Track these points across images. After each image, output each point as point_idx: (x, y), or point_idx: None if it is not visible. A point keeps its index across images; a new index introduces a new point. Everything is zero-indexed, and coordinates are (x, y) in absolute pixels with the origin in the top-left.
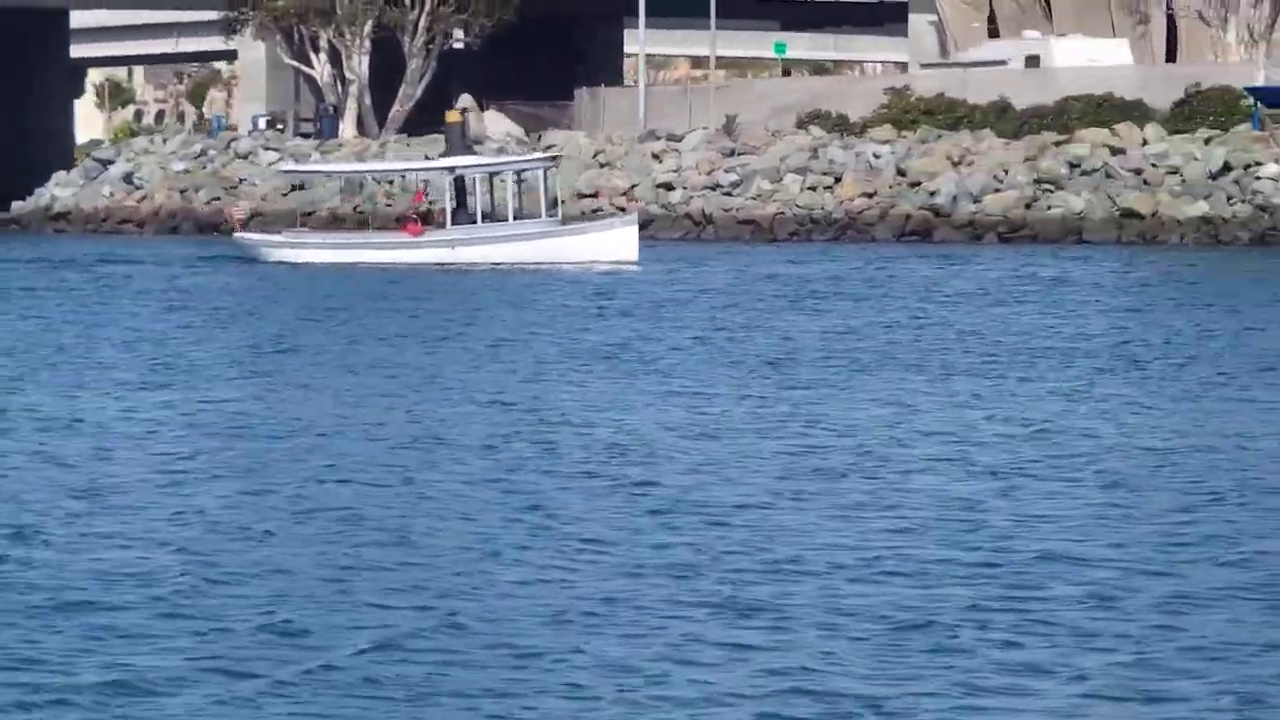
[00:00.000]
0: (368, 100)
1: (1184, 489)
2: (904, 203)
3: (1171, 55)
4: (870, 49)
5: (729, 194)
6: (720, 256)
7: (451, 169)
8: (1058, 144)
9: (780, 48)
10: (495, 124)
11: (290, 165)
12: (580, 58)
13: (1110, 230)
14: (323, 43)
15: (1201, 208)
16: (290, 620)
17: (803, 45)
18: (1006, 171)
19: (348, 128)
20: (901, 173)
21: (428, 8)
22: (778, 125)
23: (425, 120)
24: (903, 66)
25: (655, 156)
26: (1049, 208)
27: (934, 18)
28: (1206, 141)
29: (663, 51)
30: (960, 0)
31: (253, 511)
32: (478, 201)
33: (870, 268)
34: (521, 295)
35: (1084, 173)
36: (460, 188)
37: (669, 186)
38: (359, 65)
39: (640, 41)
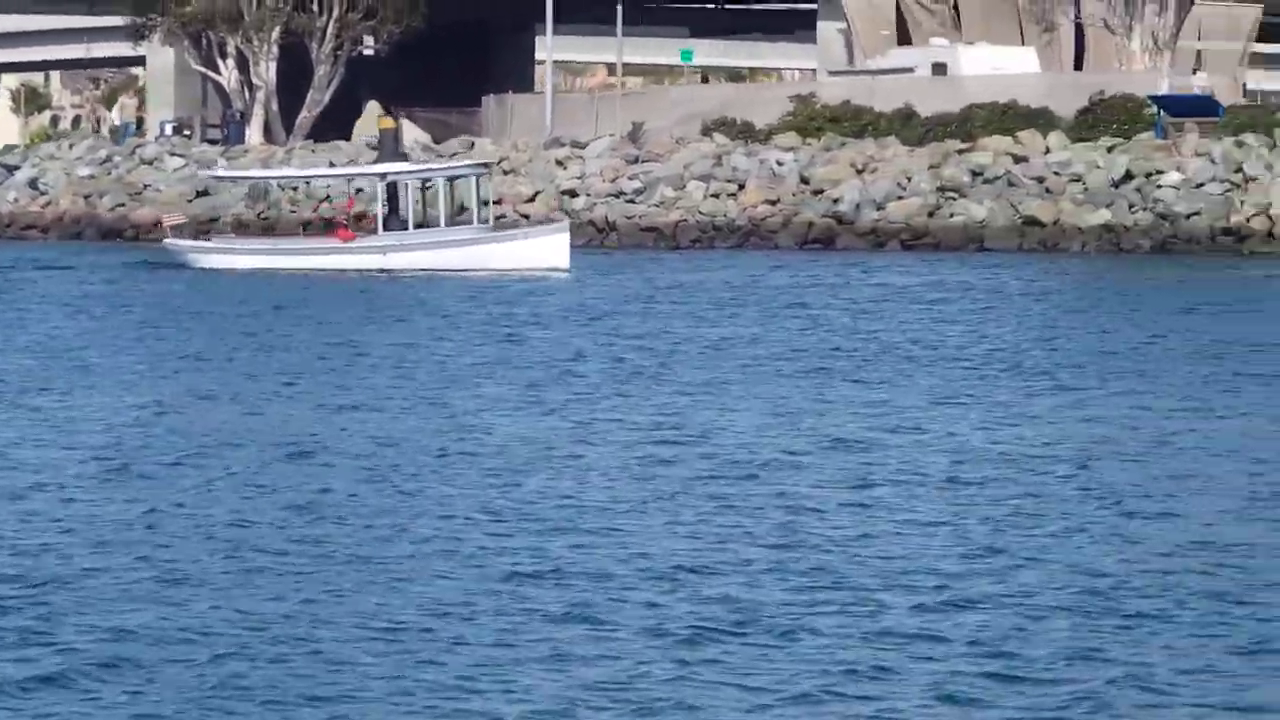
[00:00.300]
0: (275, 106)
1: (1030, 492)
2: (807, 210)
3: (1080, 64)
4: (781, 56)
5: (632, 201)
6: (649, 263)
7: (384, 175)
8: (961, 152)
9: (686, 55)
10: (405, 130)
11: (223, 170)
12: (490, 65)
13: (1012, 238)
14: (230, 49)
15: (1103, 215)
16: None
17: (716, 52)
18: (910, 179)
19: (254, 134)
20: (805, 180)
21: (335, 14)
22: (684, 133)
23: (333, 127)
24: (814, 74)
25: (559, 163)
26: (951, 215)
27: (842, 25)
28: (1109, 150)
29: (578, 58)
30: (868, 8)
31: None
32: (410, 208)
33: (782, 274)
34: (442, 303)
35: (987, 180)
36: (393, 194)
37: (573, 194)
38: (266, 72)
39: (548, 48)
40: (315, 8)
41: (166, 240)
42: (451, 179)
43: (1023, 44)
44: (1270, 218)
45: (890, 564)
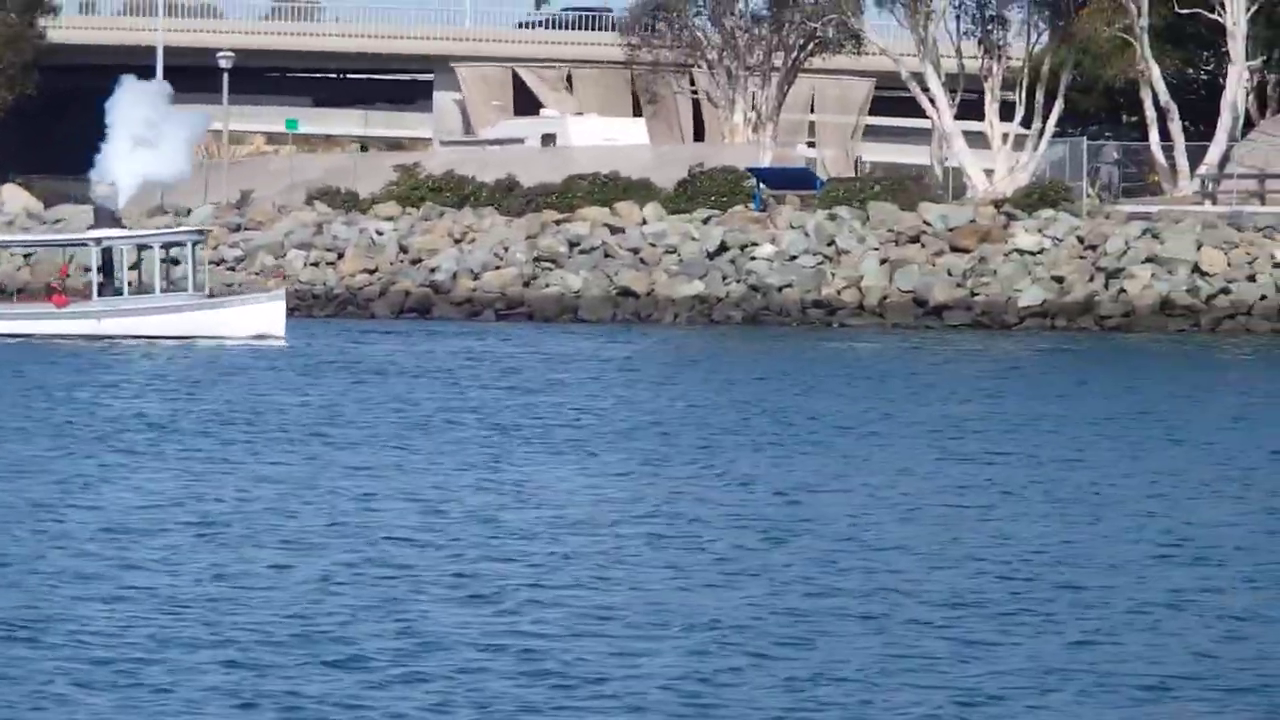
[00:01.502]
0: None
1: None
2: (404, 279)
3: (700, 135)
4: (399, 125)
5: (232, 269)
6: (372, 334)
7: (99, 241)
8: (558, 222)
9: (292, 124)
10: (12, 197)
11: None
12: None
13: (606, 308)
14: None
15: (696, 287)
16: None
17: (336, 122)
18: (507, 249)
19: None
20: (404, 249)
21: None
22: (290, 201)
23: None
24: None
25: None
26: (547, 285)
27: (459, 96)
28: (705, 221)
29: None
30: (482, 80)
31: None
32: (124, 274)
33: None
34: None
35: (583, 251)
36: (107, 260)
37: (175, 261)
38: None
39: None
40: None
41: None
42: (167, 245)
43: (636, 116)
44: (861, 290)
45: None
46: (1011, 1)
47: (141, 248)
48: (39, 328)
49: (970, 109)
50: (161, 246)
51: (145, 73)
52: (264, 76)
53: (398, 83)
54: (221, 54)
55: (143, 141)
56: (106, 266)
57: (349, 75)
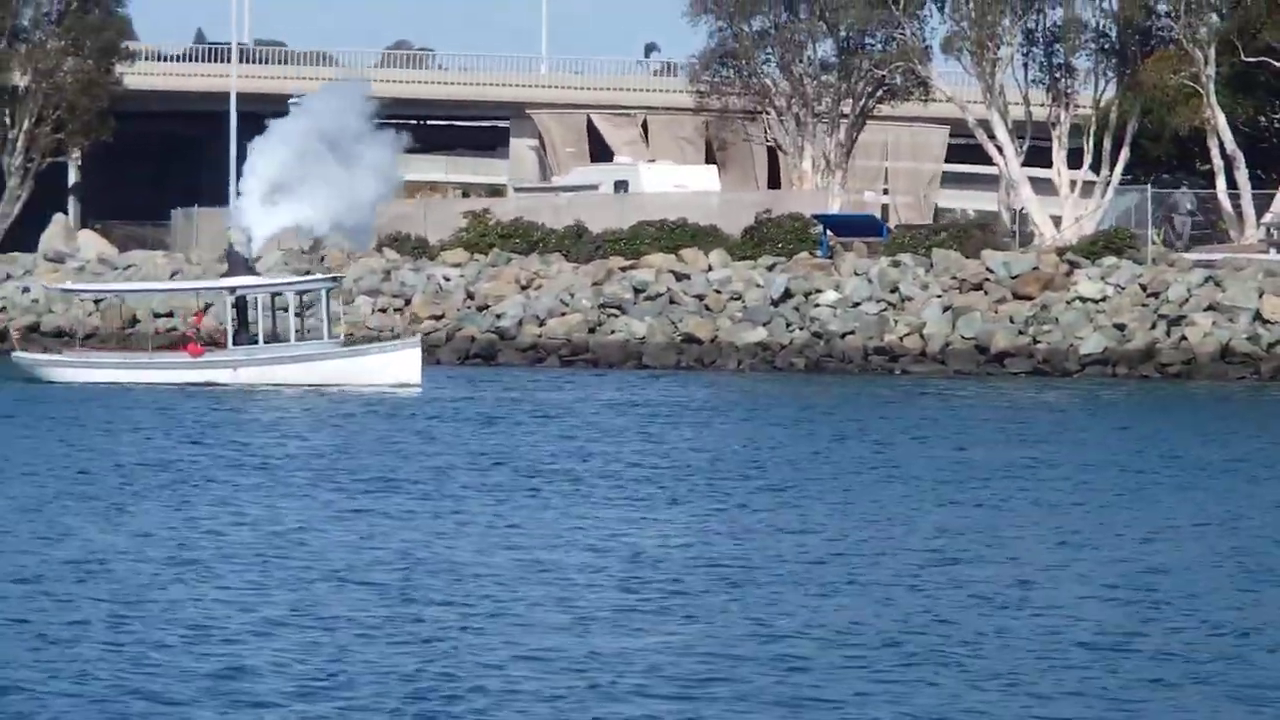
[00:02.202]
0: None
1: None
2: (470, 325)
3: (776, 182)
4: (478, 171)
5: (299, 315)
6: (497, 380)
7: (233, 289)
8: (625, 269)
9: None
10: (88, 243)
11: (71, 284)
12: (197, 177)
13: (670, 355)
14: None
15: (760, 333)
16: None
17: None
18: (573, 295)
19: None
20: (470, 295)
21: (25, 127)
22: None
23: (28, 237)
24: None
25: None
26: (612, 331)
27: (534, 142)
28: (770, 268)
29: None
30: (559, 126)
31: None
32: (259, 322)
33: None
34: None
35: (648, 297)
36: (241, 308)
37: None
38: None
39: (231, 162)
40: (6, 120)
41: (15, 354)
42: (301, 293)
43: (710, 164)
44: (923, 337)
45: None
46: (1079, 50)
47: (275, 295)
48: (174, 377)
49: (1040, 156)
50: (295, 294)
51: (220, 119)
52: None
53: (479, 129)
54: (292, 99)
55: (281, 188)
56: (240, 315)
57: (427, 123)
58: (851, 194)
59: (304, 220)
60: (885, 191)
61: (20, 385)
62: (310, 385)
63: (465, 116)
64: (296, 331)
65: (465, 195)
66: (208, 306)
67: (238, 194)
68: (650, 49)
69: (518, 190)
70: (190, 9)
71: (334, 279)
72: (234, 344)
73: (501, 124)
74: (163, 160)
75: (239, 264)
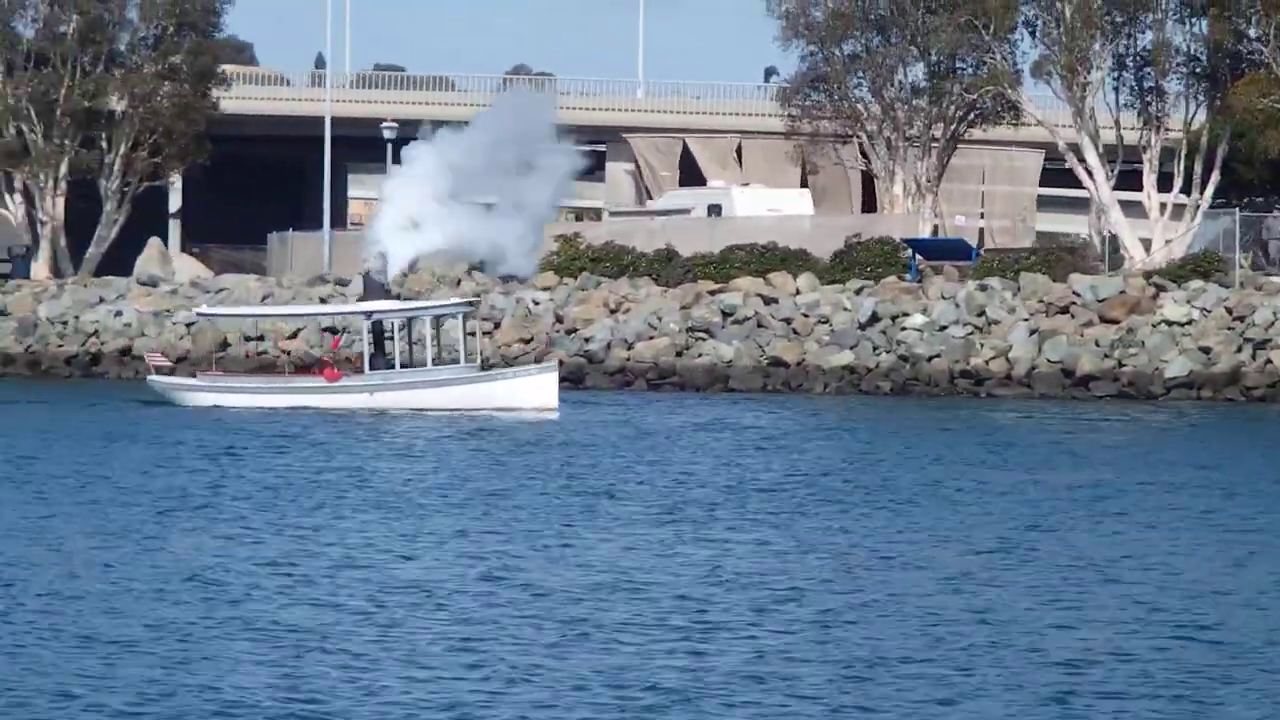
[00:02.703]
0: (63, 242)
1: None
2: (559, 349)
3: (871, 206)
4: (580, 195)
5: (390, 338)
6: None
7: (369, 314)
8: (713, 292)
9: None
10: (183, 267)
11: (209, 308)
12: (304, 202)
13: (756, 379)
14: (17, 184)
15: (847, 357)
16: None
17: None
18: (661, 319)
19: (41, 268)
20: (559, 319)
21: (121, 151)
22: (451, 271)
23: (128, 260)
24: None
25: (321, 300)
26: (699, 355)
27: (630, 166)
28: (858, 291)
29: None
30: (655, 151)
31: None
32: (395, 347)
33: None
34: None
35: (736, 321)
36: (378, 333)
37: (333, 330)
38: (53, 207)
39: (326, 185)
40: (103, 144)
41: (150, 378)
42: (438, 317)
43: (804, 187)
44: (1009, 360)
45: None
46: (1169, 73)
47: (412, 320)
48: (310, 401)
49: (1132, 180)
50: (432, 319)
51: (315, 144)
52: None
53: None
54: (386, 124)
55: (424, 212)
56: (377, 339)
57: None
58: (943, 218)
59: (444, 245)
60: (981, 215)
61: (164, 409)
62: (447, 410)
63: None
64: (433, 356)
65: (578, 219)
66: (344, 332)
67: (370, 218)
68: (770, 73)
69: (613, 214)
70: (312, 34)
71: (470, 303)
72: (370, 369)
73: (600, 148)
74: (267, 184)
75: (376, 289)
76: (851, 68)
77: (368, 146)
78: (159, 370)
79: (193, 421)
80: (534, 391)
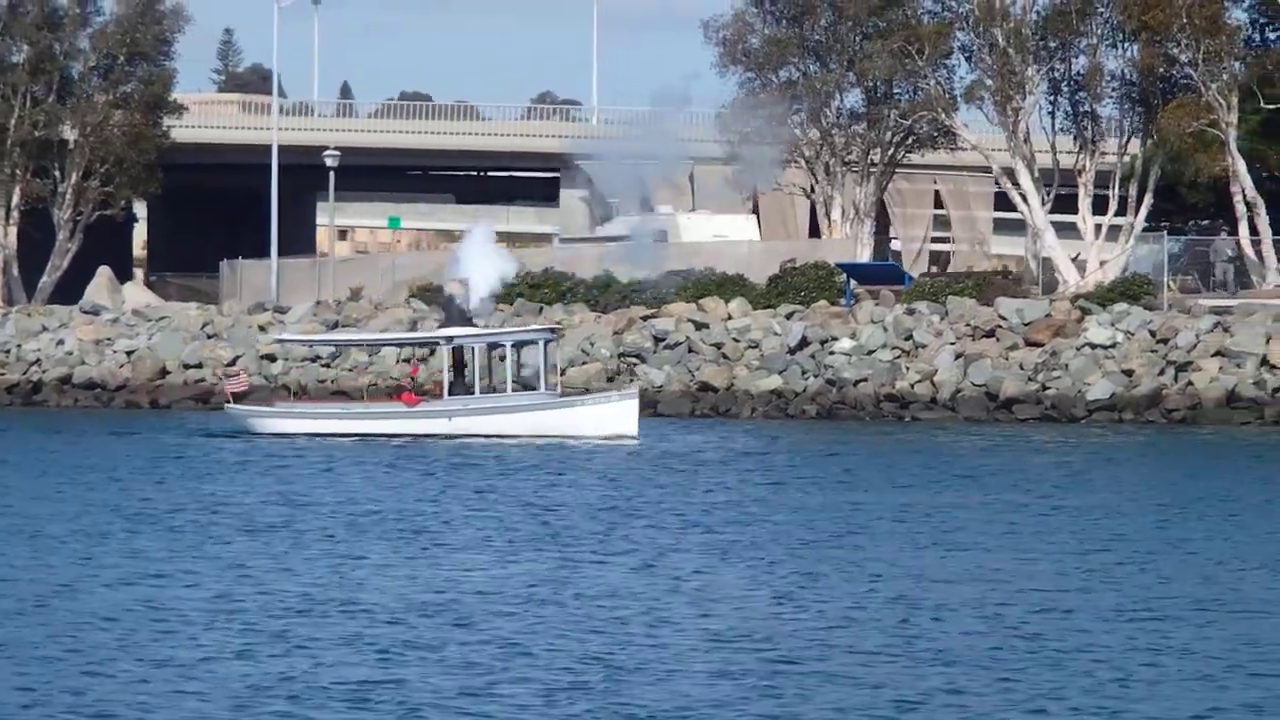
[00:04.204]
0: (15, 271)
1: None
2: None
3: (816, 231)
4: (542, 221)
5: (327, 365)
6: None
7: (450, 339)
8: (645, 318)
9: (394, 222)
10: (134, 296)
11: (287, 335)
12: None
13: (685, 403)
14: None
15: (775, 381)
16: None
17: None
18: (594, 344)
19: None
20: None
21: (73, 181)
22: (396, 298)
23: (81, 288)
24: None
25: (261, 328)
26: (631, 380)
27: (584, 193)
28: (789, 316)
29: (357, 223)
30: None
31: None
32: (475, 373)
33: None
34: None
35: (668, 346)
36: (458, 359)
37: (271, 358)
38: (4, 236)
39: (273, 213)
40: (56, 173)
41: (227, 406)
42: (518, 344)
43: (755, 213)
44: (934, 384)
45: None
46: (1103, 98)
47: (493, 346)
48: (389, 427)
49: (1073, 203)
50: (513, 345)
51: (263, 172)
52: (406, 175)
53: (539, 180)
54: (328, 153)
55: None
56: (457, 365)
57: (489, 174)
58: (902, 243)
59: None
60: (935, 240)
61: (248, 438)
62: (526, 436)
63: (517, 168)
64: (512, 382)
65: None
66: (424, 358)
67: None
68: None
69: (563, 240)
70: (337, 63)
71: (552, 330)
72: (450, 394)
73: (554, 174)
74: (232, 213)
75: (456, 314)
76: (789, 93)
77: (348, 175)
78: (235, 398)
79: (306, 450)
80: (614, 418)
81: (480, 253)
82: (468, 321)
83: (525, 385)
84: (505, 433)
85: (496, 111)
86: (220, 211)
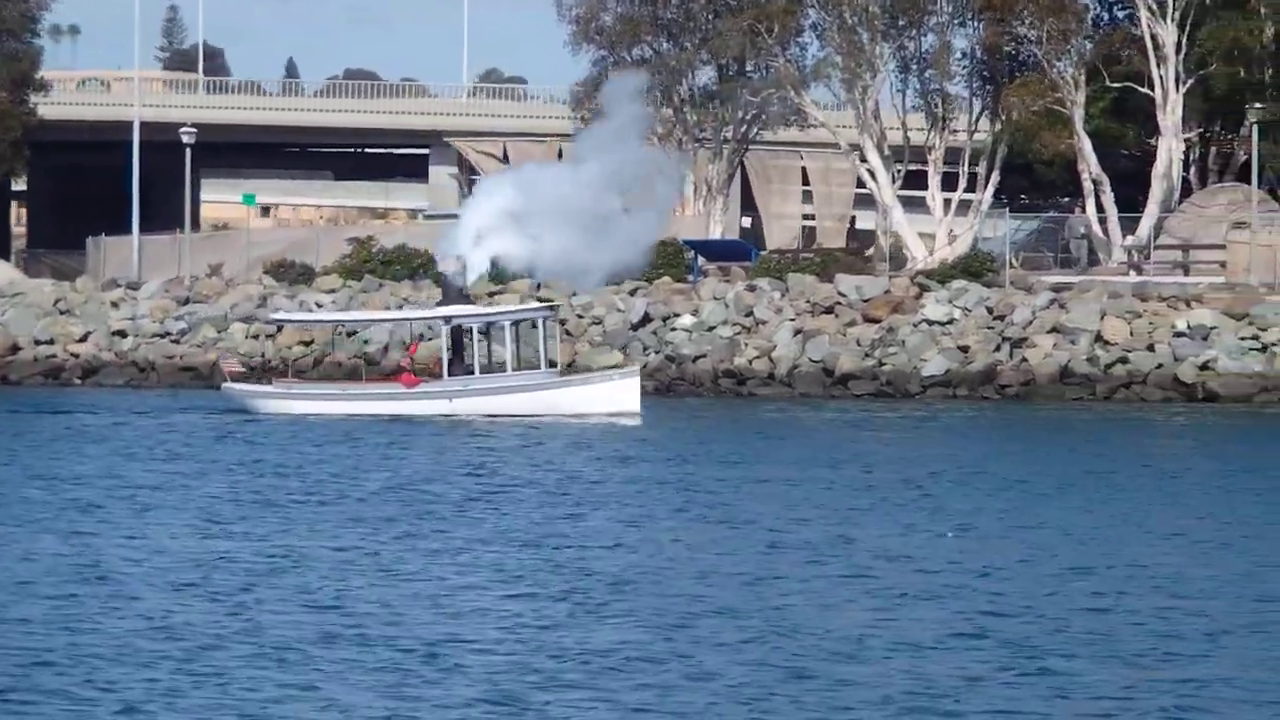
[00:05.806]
0: None
1: None
2: (340, 351)
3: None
4: (401, 198)
5: (176, 341)
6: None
7: (448, 319)
8: (492, 294)
9: (249, 198)
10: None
11: (284, 314)
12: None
13: None
14: None
15: (616, 357)
16: None
17: (342, 194)
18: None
19: None
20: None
21: None
22: (254, 274)
23: None
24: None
25: (113, 304)
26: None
27: (454, 170)
28: (631, 293)
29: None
30: (476, 154)
31: None
32: (474, 353)
33: None
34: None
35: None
36: (457, 338)
37: (122, 334)
38: None
39: (134, 190)
40: None
41: (225, 385)
42: (517, 322)
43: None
44: (772, 360)
45: None
46: (952, 76)
47: (491, 325)
48: (389, 408)
49: (922, 180)
50: (512, 324)
51: (124, 149)
52: (284, 152)
53: (409, 157)
54: (185, 129)
55: (498, 224)
56: (456, 345)
57: (366, 150)
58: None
59: (508, 254)
60: (806, 217)
61: (235, 417)
62: (526, 416)
63: (392, 144)
64: (512, 361)
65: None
66: (422, 337)
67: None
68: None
69: (428, 217)
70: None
71: (551, 308)
72: (449, 374)
73: (423, 151)
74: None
75: (453, 293)
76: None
77: (226, 152)
78: (234, 377)
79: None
80: (616, 396)
81: (477, 234)
82: (465, 300)
83: (526, 364)
84: (505, 412)
85: (367, 89)
86: (95, 189)
